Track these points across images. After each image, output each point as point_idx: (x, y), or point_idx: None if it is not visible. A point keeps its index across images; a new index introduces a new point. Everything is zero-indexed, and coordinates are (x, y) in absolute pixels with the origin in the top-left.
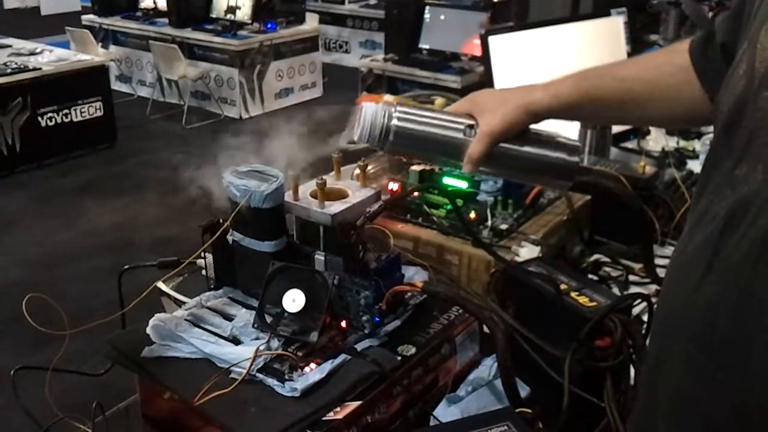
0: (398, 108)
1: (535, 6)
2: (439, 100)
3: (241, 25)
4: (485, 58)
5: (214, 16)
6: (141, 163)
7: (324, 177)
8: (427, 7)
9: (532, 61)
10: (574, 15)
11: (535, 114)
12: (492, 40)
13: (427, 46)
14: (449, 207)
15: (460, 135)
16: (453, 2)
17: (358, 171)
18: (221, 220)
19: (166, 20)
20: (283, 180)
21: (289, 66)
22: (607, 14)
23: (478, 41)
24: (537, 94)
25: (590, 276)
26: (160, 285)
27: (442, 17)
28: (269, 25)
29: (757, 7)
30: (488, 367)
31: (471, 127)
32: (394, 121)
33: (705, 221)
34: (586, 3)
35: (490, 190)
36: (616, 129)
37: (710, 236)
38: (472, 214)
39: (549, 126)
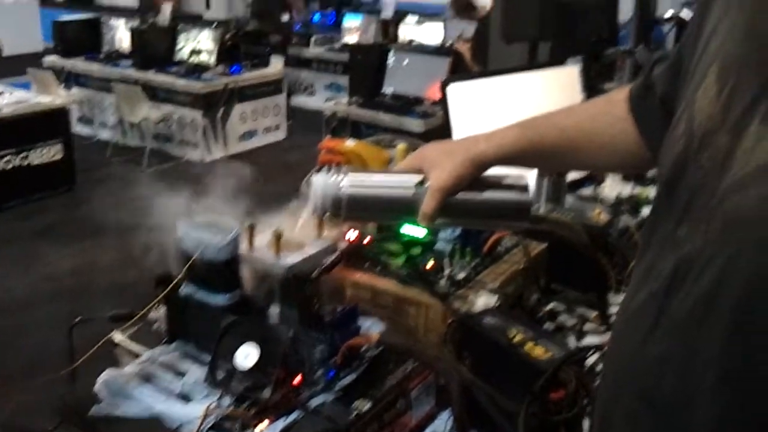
0: (348, 176)
1: (494, 54)
2: (401, 146)
3: (205, 67)
4: (444, 106)
5: (178, 58)
6: (100, 206)
7: (281, 227)
8: (391, 52)
9: (491, 108)
10: (532, 63)
11: (482, 165)
12: (451, 88)
13: (390, 90)
14: (407, 256)
15: (412, 193)
16: (416, 47)
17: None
18: (174, 273)
19: (129, 62)
20: (238, 232)
21: (254, 108)
22: (563, 63)
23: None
24: (481, 146)
25: (547, 325)
26: (115, 336)
27: (406, 62)
28: (234, 68)
29: (694, 65)
30: (444, 421)
31: (421, 183)
32: (345, 191)
33: (650, 278)
34: (543, 51)
35: (447, 238)
36: (572, 176)
37: (656, 294)
38: (430, 263)
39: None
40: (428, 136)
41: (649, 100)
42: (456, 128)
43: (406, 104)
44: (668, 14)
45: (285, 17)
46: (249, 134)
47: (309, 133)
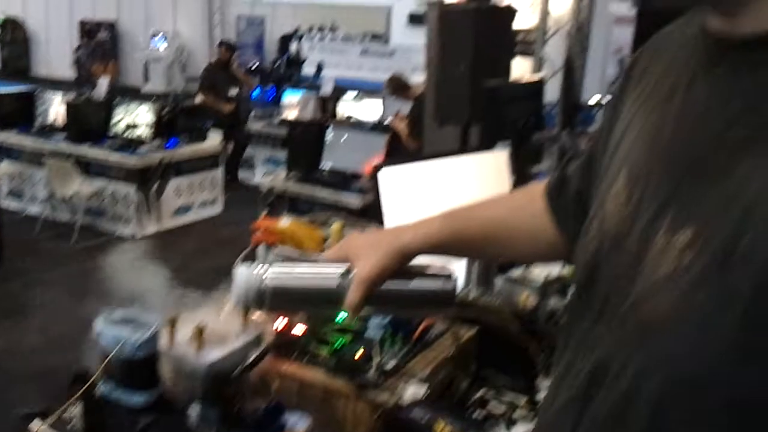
0: (272, 268)
1: (429, 134)
2: (336, 225)
3: (141, 141)
4: (375, 192)
5: (113, 132)
6: (26, 285)
7: (204, 320)
8: (330, 128)
9: (423, 193)
10: (462, 148)
11: (407, 255)
12: (383, 173)
13: (329, 166)
14: (336, 345)
15: (337, 285)
16: (355, 123)
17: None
18: (92, 370)
19: (63, 135)
20: (158, 327)
21: (189, 183)
22: (492, 147)
23: (378, 162)
24: (406, 237)
25: (477, 413)
26: (33, 426)
27: (344, 138)
28: (170, 142)
29: (605, 165)
30: None
31: (347, 273)
32: (268, 283)
33: (569, 377)
34: (476, 132)
35: (378, 325)
36: None
37: (575, 395)
38: (359, 353)
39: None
40: (366, 211)
41: (564, 196)
42: (388, 213)
43: (344, 180)
44: (593, 100)
45: (233, 92)
46: (184, 209)
47: (246, 207)
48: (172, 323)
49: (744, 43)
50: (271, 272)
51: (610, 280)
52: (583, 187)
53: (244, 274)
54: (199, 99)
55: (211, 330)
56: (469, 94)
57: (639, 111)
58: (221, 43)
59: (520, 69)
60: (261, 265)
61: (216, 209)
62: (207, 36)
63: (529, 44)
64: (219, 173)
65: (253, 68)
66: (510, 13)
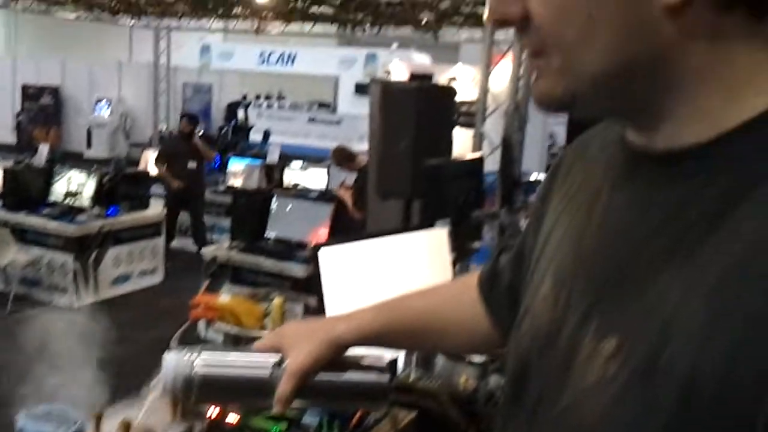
0: (202, 355)
1: (373, 206)
2: (277, 300)
3: (80, 209)
4: (315, 272)
5: (52, 199)
6: None
7: (131, 413)
8: (275, 197)
9: (364, 271)
10: (404, 225)
11: (340, 347)
12: (323, 252)
13: (273, 235)
14: None
15: (268, 375)
16: (301, 191)
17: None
18: None
19: (0, 202)
20: (82, 426)
21: (129, 251)
22: (432, 225)
23: (323, 231)
24: (341, 327)
25: None
26: None
27: (289, 207)
28: (111, 210)
29: (534, 261)
30: None
31: (279, 364)
32: (198, 371)
33: None
34: (417, 207)
35: (314, 413)
36: None
37: None
38: None
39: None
40: (310, 281)
41: (497, 288)
42: (328, 292)
43: (288, 249)
44: (533, 177)
45: (192, 165)
46: (123, 278)
47: (187, 277)
48: (98, 419)
49: (661, 157)
50: (202, 360)
51: (542, 380)
52: (515, 281)
53: (174, 360)
54: (155, 170)
55: (138, 425)
56: (410, 170)
57: (564, 211)
58: (183, 115)
59: (463, 140)
60: (191, 352)
61: (156, 278)
62: (152, 103)
63: (472, 116)
64: (160, 242)
65: (200, 136)
66: (451, 92)
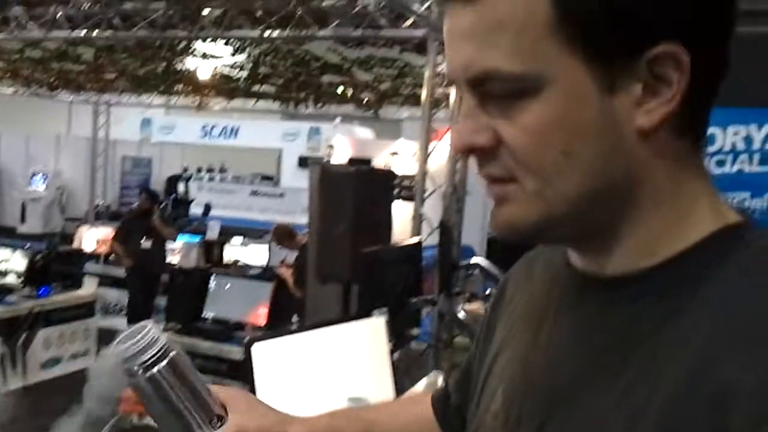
0: (178, 354)
1: (311, 293)
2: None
3: (9, 289)
4: (248, 368)
5: None
6: None
7: None
8: (213, 276)
9: (300, 366)
10: (339, 317)
11: None
12: (256, 347)
13: (211, 315)
14: None
15: (205, 422)
16: (241, 268)
17: None
18: None
19: None
20: None
21: (60, 333)
22: (371, 311)
23: (263, 310)
24: (295, 428)
25: None
26: None
27: (228, 286)
28: (42, 290)
29: (482, 379)
30: None
31: (220, 419)
32: (163, 363)
33: None
34: (355, 293)
35: None
36: None
37: None
38: None
39: None
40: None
41: (449, 408)
42: (261, 390)
43: (227, 330)
44: (473, 260)
45: (146, 244)
46: (53, 361)
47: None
48: None
49: (607, 281)
50: (177, 356)
51: None
52: (461, 402)
53: (160, 332)
54: (90, 247)
55: None
56: (349, 254)
57: (512, 331)
58: (142, 191)
59: (404, 216)
60: (161, 350)
61: (89, 361)
62: (89, 177)
63: (411, 189)
64: (93, 322)
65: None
66: (390, 176)
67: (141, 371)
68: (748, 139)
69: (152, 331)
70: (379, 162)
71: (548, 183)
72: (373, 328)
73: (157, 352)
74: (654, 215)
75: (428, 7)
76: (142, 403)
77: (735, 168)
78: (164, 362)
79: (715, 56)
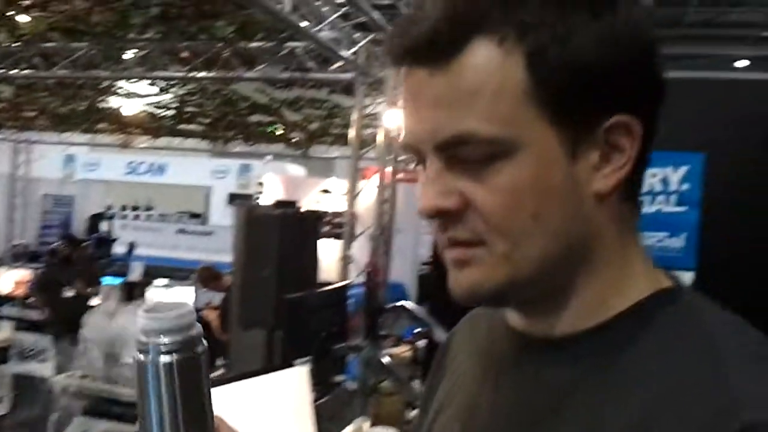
0: (205, 353)
1: (235, 339)
2: None
3: None
4: None
5: None
6: None
7: None
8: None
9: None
10: (261, 368)
11: None
12: None
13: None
14: None
15: None
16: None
17: None
18: None
19: None
20: None
21: None
22: (295, 358)
23: None
24: None
25: None
26: None
27: None
28: None
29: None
30: None
31: None
32: (187, 355)
33: None
34: (278, 343)
35: None
36: None
37: None
38: None
39: None
40: None
41: None
42: None
43: None
44: (399, 303)
45: (69, 293)
46: None
47: (37, 408)
48: None
49: (547, 343)
50: (187, 358)
51: None
52: None
53: (188, 318)
54: (7, 288)
55: None
56: (273, 300)
57: (454, 389)
58: (63, 237)
59: (335, 254)
60: (193, 339)
61: (1, 409)
62: (7, 216)
63: (342, 226)
64: (8, 368)
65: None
66: (317, 217)
67: (157, 352)
68: (665, 181)
69: (189, 317)
70: (310, 200)
71: (517, 245)
72: (296, 378)
73: (186, 340)
74: (602, 277)
75: (355, 52)
76: (138, 387)
77: (653, 208)
78: (188, 354)
79: (653, 122)
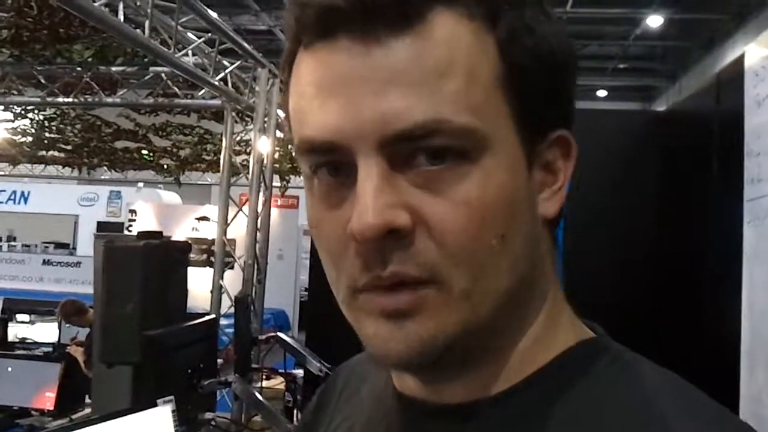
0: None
1: (98, 376)
2: None
3: None
4: None
5: None
6: None
7: None
8: None
9: None
10: (123, 410)
11: None
12: None
13: None
14: None
15: None
16: (27, 349)
17: None
18: None
19: None
20: None
21: None
22: (154, 405)
23: (51, 394)
24: None
25: None
26: None
27: (10, 369)
28: None
29: None
30: None
31: None
32: None
33: None
34: (145, 380)
35: None
36: None
37: None
38: None
39: None
40: None
41: None
42: None
43: (9, 417)
44: (271, 333)
45: None
46: None
47: None
48: None
49: (447, 412)
50: None
51: None
52: None
53: None
54: None
55: None
56: (137, 337)
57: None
58: None
59: (210, 282)
60: None
61: None
62: None
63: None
64: None
65: None
66: (185, 248)
67: None
68: None
69: None
70: (186, 228)
71: (478, 278)
72: (159, 418)
73: None
74: (539, 316)
75: (223, 78)
76: None
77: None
78: None
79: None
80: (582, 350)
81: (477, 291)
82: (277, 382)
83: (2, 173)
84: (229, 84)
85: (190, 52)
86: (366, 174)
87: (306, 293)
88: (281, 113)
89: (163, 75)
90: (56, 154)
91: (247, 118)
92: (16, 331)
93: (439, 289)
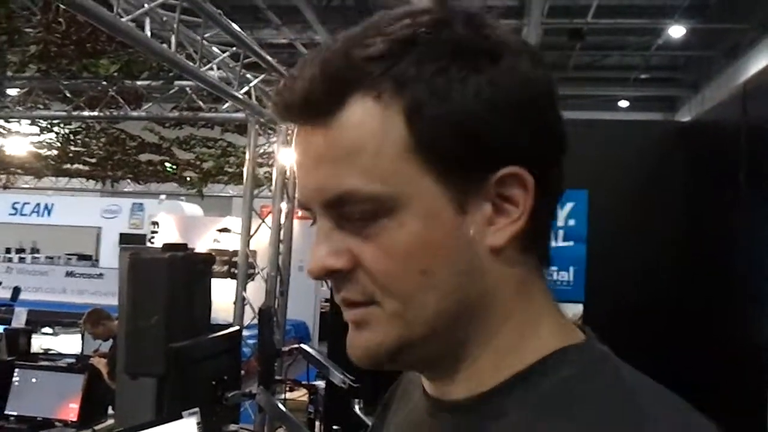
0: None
1: (121, 387)
2: None
3: None
4: None
5: None
6: None
7: None
8: (17, 370)
9: None
10: (149, 422)
11: None
12: None
13: (14, 413)
14: None
15: None
16: (51, 358)
17: None
18: None
19: None
20: None
21: None
22: (179, 417)
23: (74, 405)
24: None
25: None
26: None
27: (34, 380)
28: None
29: None
30: None
31: None
32: None
33: None
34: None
35: None
36: None
37: None
38: None
39: None
40: None
41: None
42: None
43: (33, 428)
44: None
45: None
46: None
47: None
48: None
49: (452, 408)
50: None
51: None
52: None
53: None
54: None
55: None
56: (162, 349)
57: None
58: None
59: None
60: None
61: None
62: None
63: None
64: None
65: None
66: (209, 260)
67: None
68: None
69: None
70: (207, 239)
71: (408, 304)
72: (184, 430)
73: None
74: (502, 333)
75: (247, 92)
76: None
77: None
78: None
79: (554, 173)
80: (560, 355)
81: (408, 315)
82: (300, 394)
83: (27, 186)
84: (253, 97)
85: (215, 66)
86: (318, 228)
87: (327, 304)
88: None
89: (187, 89)
90: (80, 167)
91: (270, 131)
92: (40, 342)
93: (378, 309)
